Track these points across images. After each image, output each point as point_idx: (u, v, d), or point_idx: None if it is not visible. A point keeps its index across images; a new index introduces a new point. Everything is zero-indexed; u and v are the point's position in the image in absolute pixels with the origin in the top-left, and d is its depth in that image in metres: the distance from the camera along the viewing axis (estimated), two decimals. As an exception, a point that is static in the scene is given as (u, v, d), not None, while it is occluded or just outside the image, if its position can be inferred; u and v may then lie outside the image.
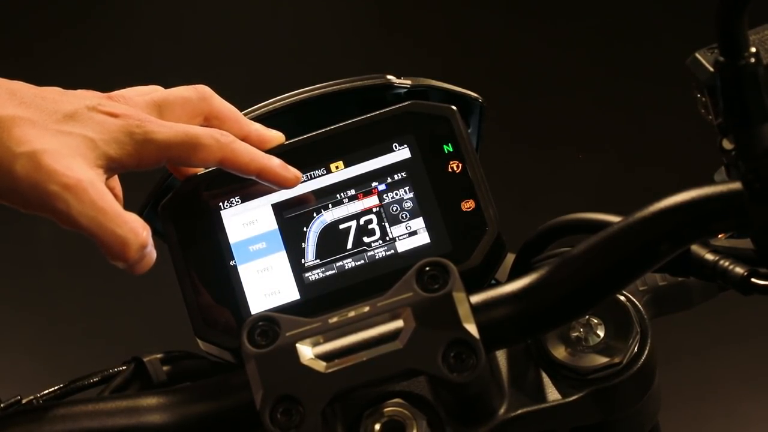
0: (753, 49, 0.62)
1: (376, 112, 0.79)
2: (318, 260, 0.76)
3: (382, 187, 0.77)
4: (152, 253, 0.70)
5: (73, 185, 0.67)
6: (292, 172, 0.76)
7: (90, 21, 2.65)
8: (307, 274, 0.76)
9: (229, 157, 0.74)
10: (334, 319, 0.69)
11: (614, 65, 2.38)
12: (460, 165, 0.77)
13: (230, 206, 0.78)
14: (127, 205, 0.80)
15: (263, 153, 0.75)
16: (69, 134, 0.69)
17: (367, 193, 0.77)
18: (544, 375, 0.76)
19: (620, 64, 2.38)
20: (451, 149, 0.77)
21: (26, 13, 2.65)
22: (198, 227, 0.77)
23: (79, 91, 0.73)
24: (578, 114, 2.33)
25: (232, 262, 0.77)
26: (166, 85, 0.78)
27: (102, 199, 0.68)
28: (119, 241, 0.68)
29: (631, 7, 2.47)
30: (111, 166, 0.70)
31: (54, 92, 0.72)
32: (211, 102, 0.77)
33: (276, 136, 0.78)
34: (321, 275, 0.76)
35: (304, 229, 0.77)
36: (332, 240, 0.77)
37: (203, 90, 0.77)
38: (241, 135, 0.76)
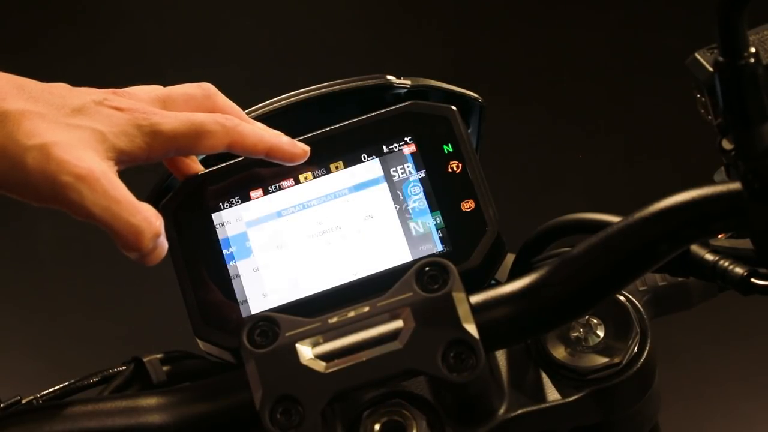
0: (752, 49, 0.62)
1: (376, 113, 0.79)
2: (318, 260, 0.76)
3: (381, 187, 0.78)
4: (164, 243, 0.71)
5: (85, 175, 0.67)
6: (300, 146, 0.76)
7: (91, 20, 2.65)
8: (306, 274, 0.76)
9: (237, 140, 0.74)
10: (334, 319, 0.69)
11: (615, 64, 2.38)
12: (459, 165, 0.77)
13: (230, 206, 0.78)
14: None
15: (270, 131, 0.76)
16: (78, 127, 0.69)
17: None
18: (543, 375, 0.76)
19: (621, 64, 2.38)
20: (450, 149, 0.77)
21: (28, 8, 2.65)
22: (198, 227, 0.77)
23: (85, 88, 0.73)
24: (578, 114, 2.33)
25: (231, 262, 0.77)
26: (167, 84, 0.78)
27: (115, 189, 0.68)
28: (133, 230, 0.68)
29: (634, 6, 2.47)
30: (121, 159, 0.71)
31: (61, 88, 0.72)
32: (215, 99, 0.77)
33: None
34: (321, 275, 0.76)
35: (304, 229, 0.77)
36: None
37: (207, 87, 0.77)
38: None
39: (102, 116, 0.71)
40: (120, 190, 0.68)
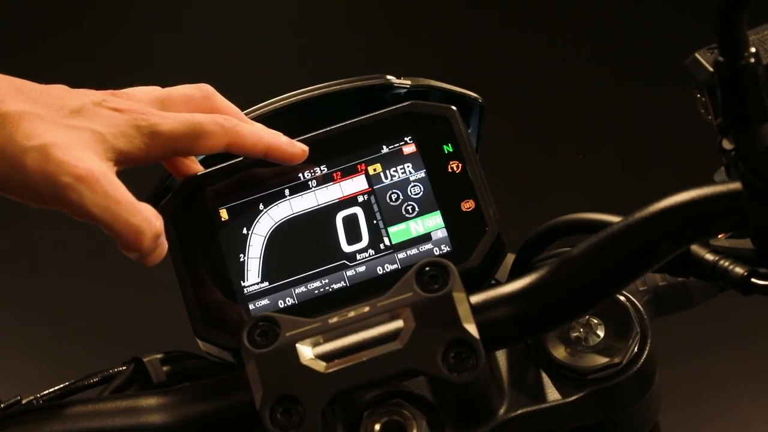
0: (752, 49, 0.62)
1: (376, 113, 0.79)
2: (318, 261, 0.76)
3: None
4: (164, 243, 0.71)
5: (84, 176, 0.67)
6: (299, 146, 0.77)
7: (91, 21, 2.65)
8: (307, 275, 0.76)
9: (236, 140, 0.74)
10: (334, 319, 0.69)
11: (615, 64, 2.38)
12: (459, 165, 0.77)
13: (230, 206, 0.78)
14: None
15: (269, 130, 0.76)
16: (77, 128, 0.70)
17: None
18: (543, 375, 0.76)
19: (621, 64, 2.38)
20: (450, 149, 0.77)
21: (28, 12, 2.65)
22: (197, 227, 0.77)
23: (83, 90, 0.73)
24: (578, 114, 2.33)
25: (232, 262, 0.76)
26: (167, 85, 0.78)
27: (114, 189, 0.68)
28: (133, 230, 0.68)
29: (632, 6, 2.47)
30: (120, 160, 0.71)
31: (59, 89, 0.72)
32: (213, 100, 0.77)
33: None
34: (321, 276, 0.76)
35: (303, 230, 0.77)
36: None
37: (206, 88, 0.77)
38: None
39: (101, 117, 0.71)
40: (120, 191, 0.68)
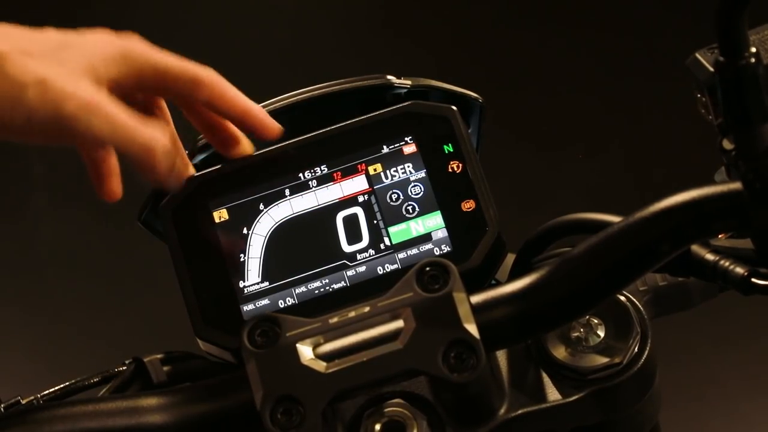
0: (753, 49, 0.62)
1: (376, 113, 0.79)
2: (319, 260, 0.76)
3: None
4: (183, 165, 0.72)
5: (87, 101, 0.68)
6: (274, 122, 0.77)
7: (89, 20, 2.65)
8: (308, 274, 0.76)
9: (218, 92, 0.75)
10: (335, 320, 0.69)
11: (615, 65, 2.39)
12: (460, 165, 0.77)
13: (230, 206, 0.78)
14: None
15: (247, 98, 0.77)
16: (68, 60, 0.70)
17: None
18: (544, 375, 0.76)
19: (620, 64, 2.38)
20: (451, 149, 0.77)
21: (26, 9, 2.65)
22: (198, 227, 0.77)
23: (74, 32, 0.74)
24: (578, 114, 2.33)
25: (231, 262, 0.77)
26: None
27: (118, 112, 0.69)
28: (144, 148, 0.69)
29: (631, 6, 2.47)
30: (112, 87, 0.71)
31: (46, 30, 0.72)
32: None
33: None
34: (322, 275, 0.76)
35: (303, 229, 0.77)
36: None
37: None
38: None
39: (89, 49, 0.71)
40: (123, 113, 0.69)
